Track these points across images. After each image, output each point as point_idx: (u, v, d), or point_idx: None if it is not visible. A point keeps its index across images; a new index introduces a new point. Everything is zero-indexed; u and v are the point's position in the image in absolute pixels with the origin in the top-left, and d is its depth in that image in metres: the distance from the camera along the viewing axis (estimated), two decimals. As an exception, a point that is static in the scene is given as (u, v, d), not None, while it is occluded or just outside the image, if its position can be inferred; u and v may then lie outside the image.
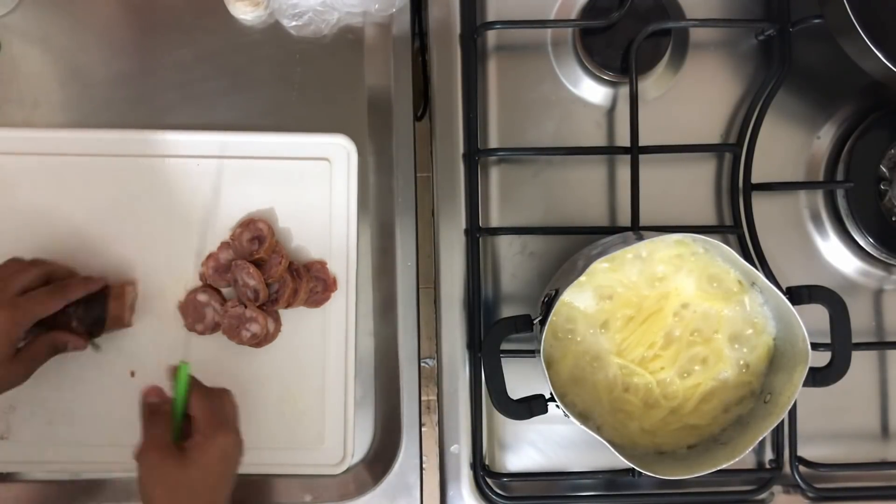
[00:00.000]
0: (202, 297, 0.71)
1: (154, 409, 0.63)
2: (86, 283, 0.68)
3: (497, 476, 0.73)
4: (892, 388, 0.76)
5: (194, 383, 0.63)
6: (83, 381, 0.72)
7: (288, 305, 0.71)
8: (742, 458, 0.60)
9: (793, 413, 0.72)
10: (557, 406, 0.62)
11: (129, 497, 0.72)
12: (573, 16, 0.76)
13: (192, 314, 0.71)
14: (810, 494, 0.73)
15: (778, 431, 0.73)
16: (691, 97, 0.76)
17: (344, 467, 0.72)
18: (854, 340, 0.63)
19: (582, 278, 0.61)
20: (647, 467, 0.61)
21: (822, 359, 0.64)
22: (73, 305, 0.67)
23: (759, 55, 0.77)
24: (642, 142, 0.72)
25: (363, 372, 0.74)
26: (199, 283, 0.72)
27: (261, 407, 0.72)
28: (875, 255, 0.74)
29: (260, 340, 0.71)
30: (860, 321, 0.75)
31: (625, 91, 0.75)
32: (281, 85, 0.75)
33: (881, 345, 0.76)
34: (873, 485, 0.74)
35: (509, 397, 0.63)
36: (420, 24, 0.78)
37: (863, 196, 0.74)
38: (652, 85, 0.76)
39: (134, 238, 0.72)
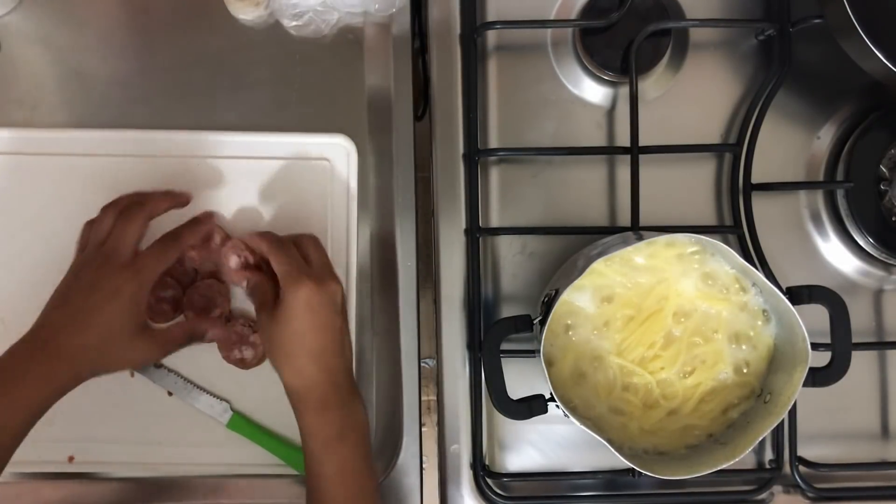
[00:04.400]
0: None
1: (253, 286, 0.64)
2: (197, 224, 0.69)
3: (497, 476, 0.73)
4: (892, 388, 0.76)
5: (269, 242, 0.64)
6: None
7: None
8: (742, 458, 0.60)
9: (793, 413, 0.72)
10: (557, 406, 0.62)
11: (129, 496, 0.72)
12: (573, 16, 0.76)
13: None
14: (810, 494, 0.73)
15: (778, 431, 0.73)
16: (691, 97, 0.76)
17: (344, 467, 0.72)
18: (854, 340, 0.63)
19: (582, 278, 0.61)
20: (647, 467, 0.61)
21: (822, 359, 0.63)
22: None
23: (759, 55, 0.77)
24: (642, 142, 0.72)
25: (363, 372, 0.74)
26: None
27: (261, 407, 0.72)
28: (875, 255, 0.74)
29: (246, 364, 0.71)
30: (860, 321, 0.75)
31: (625, 91, 0.75)
32: (281, 85, 0.75)
33: (881, 345, 0.76)
34: (873, 485, 0.74)
35: (509, 397, 0.63)
36: (420, 24, 0.78)
37: (863, 196, 0.74)
38: (652, 85, 0.76)
39: (134, 238, 0.72)
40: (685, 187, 0.76)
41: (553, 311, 0.61)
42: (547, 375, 0.61)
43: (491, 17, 0.76)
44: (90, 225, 0.67)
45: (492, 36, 0.76)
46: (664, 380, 0.65)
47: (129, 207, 0.66)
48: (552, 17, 0.77)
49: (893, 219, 0.74)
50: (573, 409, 0.65)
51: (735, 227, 0.74)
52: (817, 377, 0.62)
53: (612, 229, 0.74)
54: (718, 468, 0.60)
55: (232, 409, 0.71)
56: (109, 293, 0.61)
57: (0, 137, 0.72)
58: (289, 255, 0.63)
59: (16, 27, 0.75)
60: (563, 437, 0.74)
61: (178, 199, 0.69)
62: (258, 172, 0.73)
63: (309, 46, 0.76)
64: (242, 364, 0.71)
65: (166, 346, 0.65)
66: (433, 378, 0.74)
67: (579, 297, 0.65)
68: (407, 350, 0.73)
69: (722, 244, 0.61)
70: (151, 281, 0.64)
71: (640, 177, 0.72)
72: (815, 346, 0.61)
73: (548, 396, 0.63)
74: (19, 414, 0.57)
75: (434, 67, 0.75)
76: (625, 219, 0.73)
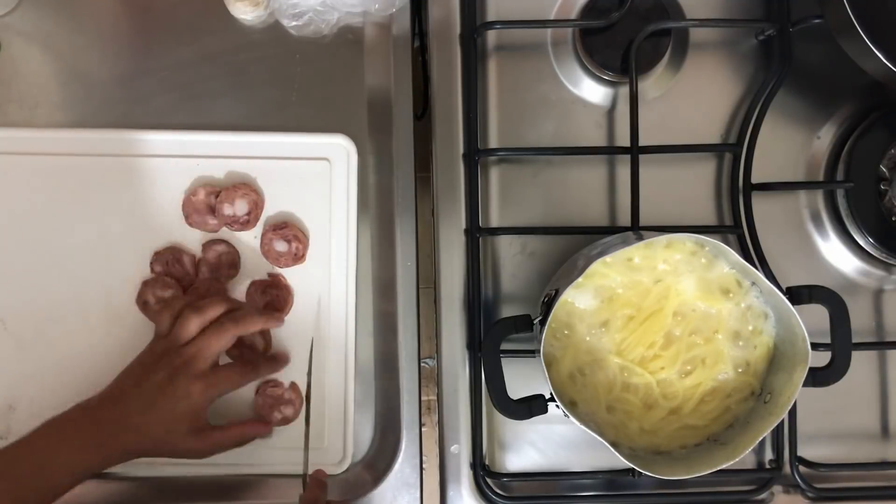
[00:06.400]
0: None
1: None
2: (275, 363, 0.71)
3: (497, 476, 0.73)
4: (892, 388, 0.76)
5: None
6: (83, 382, 0.71)
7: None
8: (742, 458, 0.60)
9: (793, 413, 0.72)
10: (557, 406, 0.62)
11: (129, 496, 0.72)
12: (573, 16, 0.76)
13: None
14: (810, 494, 0.73)
15: (778, 431, 0.73)
16: (691, 97, 0.76)
17: (344, 467, 0.72)
18: (854, 340, 0.63)
19: (581, 278, 0.61)
20: (647, 467, 0.61)
21: (822, 359, 0.64)
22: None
23: (759, 55, 0.77)
24: (642, 142, 0.72)
25: (363, 372, 0.74)
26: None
27: (261, 407, 0.72)
28: (875, 255, 0.74)
29: (289, 421, 0.72)
30: (860, 321, 0.75)
31: (625, 91, 0.75)
32: (281, 85, 0.75)
33: (881, 345, 0.76)
34: (873, 485, 0.74)
35: (509, 397, 0.63)
36: (420, 24, 0.78)
37: (863, 196, 0.74)
38: (652, 85, 0.76)
39: (134, 238, 0.72)
40: (685, 187, 0.76)
41: (553, 311, 0.61)
42: (547, 375, 0.61)
43: (491, 17, 0.76)
44: (168, 310, 0.67)
45: (492, 36, 0.76)
46: (664, 380, 0.65)
47: (223, 322, 0.66)
48: (552, 17, 0.77)
49: (893, 219, 0.74)
50: (573, 409, 0.65)
51: (735, 227, 0.74)
52: (817, 377, 0.62)
53: (612, 229, 0.74)
54: (718, 468, 0.60)
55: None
56: (181, 395, 0.64)
57: (0, 137, 0.72)
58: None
59: (16, 27, 0.75)
60: (563, 437, 0.74)
61: (273, 322, 0.70)
62: (258, 172, 0.73)
63: (309, 46, 0.76)
64: (286, 422, 0.71)
65: (214, 449, 0.67)
66: (433, 378, 0.74)
67: (579, 297, 0.65)
68: (407, 350, 0.73)
69: (722, 244, 0.61)
70: (221, 395, 0.67)
71: (640, 177, 0.72)
72: (815, 346, 0.61)
73: (548, 396, 0.63)
74: (66, 477, 0.62)
75: (434, 67, 0.75)
76: (625, 219, 0.73)
